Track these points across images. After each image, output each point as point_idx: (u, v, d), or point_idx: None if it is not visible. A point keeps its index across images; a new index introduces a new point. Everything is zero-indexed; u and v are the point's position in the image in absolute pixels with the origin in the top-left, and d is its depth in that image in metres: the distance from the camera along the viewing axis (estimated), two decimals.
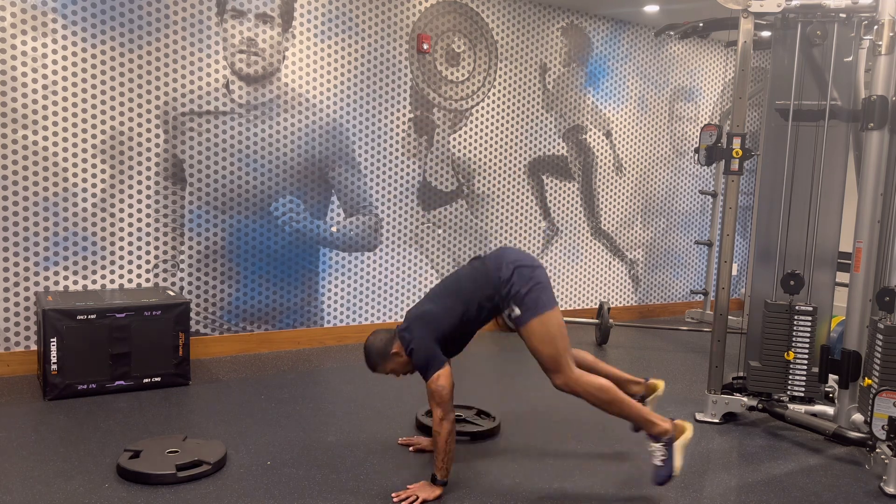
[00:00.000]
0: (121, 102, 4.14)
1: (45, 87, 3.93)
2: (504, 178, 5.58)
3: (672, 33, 4.76)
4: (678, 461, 2.70)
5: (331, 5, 4.72)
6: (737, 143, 3.56)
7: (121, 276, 4.24)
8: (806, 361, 3.56)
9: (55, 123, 3.97)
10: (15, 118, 3.87)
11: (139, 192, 4.24)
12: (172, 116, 4.29)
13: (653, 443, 2.73)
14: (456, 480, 2.82)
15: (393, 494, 2.67)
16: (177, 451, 2.88)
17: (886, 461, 2.91)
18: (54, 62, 3.94)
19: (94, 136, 4.09)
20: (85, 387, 3.68)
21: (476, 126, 5.40)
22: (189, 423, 3.37)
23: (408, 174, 5.14)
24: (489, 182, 5.52)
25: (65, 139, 4.01)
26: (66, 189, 4.04)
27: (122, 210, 4.20)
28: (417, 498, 2.63)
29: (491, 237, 5.56)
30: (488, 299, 2.77)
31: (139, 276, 4.29)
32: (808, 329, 3.54)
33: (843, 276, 3.77)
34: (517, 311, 2.72)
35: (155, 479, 2.69)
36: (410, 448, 3.14)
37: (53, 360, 3.60)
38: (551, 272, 5.90)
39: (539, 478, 2.91)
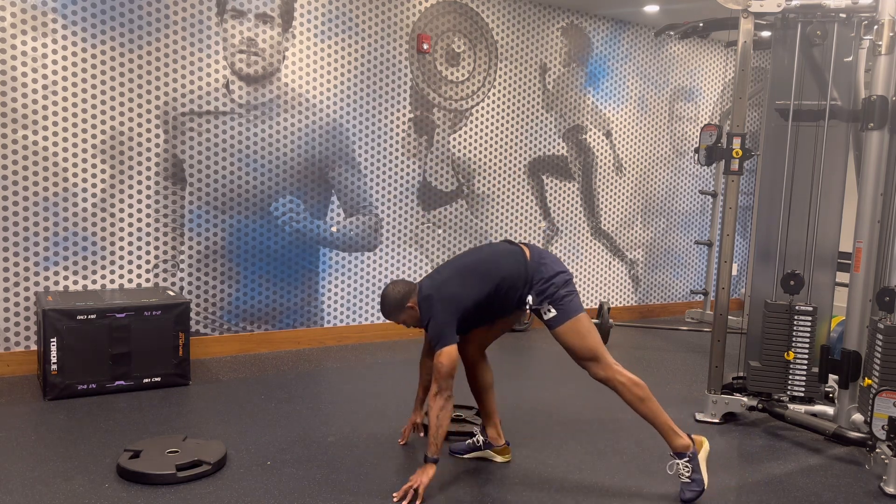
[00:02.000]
0: (121, 102, 4.14)
1: (45, 87, 3.93)
2: (504, 178, 5.58)
3: (672, 33, 4.76)
4: (706, 475, 2.71)
5: (331, 5, 4.72)
6: (737, 143, 3.56)
7: (121, 276, 4.24)
8: (806, 361, 3.56)
9: (55, 123, 3.97)
10: (15, 118, 3.87)
11: (139, 192, 4.24)
12: (172, 116, 4.29)
13: (677, 459, 2.72)
14: (455, 480, 2.82)
15: (393, 495, 2.66)
16: (177, 451, 2.88)
17: (886, 461, 2.91)
18: (54, 62, 3.94)
19: (94, 136, 4.09)
20: (85, 387, 3.68)
21: (476, 126, 5.40)
22: (189, 423, 3.37)
23: (408, 174, 5.14)
24: (489, 182, 5.52)
25: (65, 139, 4.01)
26: (66, 189, 4.04)
27: (122, 210, 4.20)
28: (417, 493, 2.60)
29: (491, 237, 5.56)
30: (519, 286, 2.76)
31: (139, 276, 4.29)
32: (808, 329, 3.54)
33: (843, 276, 3.77)
34: (553, 312, 2.73)
35: (155, 479, 2.69)
36: (405, 430, 3.22)
37: (53, 360, 3.60)
38: None
39: (538, 477, 2.91)
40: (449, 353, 2.64)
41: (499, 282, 2.74)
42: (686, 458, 2.69)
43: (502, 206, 5.60)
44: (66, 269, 4.08)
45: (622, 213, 6.24)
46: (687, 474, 2.70)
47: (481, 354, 3.04)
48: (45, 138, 3.96)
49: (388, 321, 5.16)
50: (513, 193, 5.64)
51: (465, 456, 3.07)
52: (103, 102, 4.10)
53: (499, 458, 3.06)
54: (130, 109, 4.17)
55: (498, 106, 5.48)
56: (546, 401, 3.90)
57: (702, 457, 2.74)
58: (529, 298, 2.77)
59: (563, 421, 3.60)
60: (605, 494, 2.78)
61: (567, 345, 2.78)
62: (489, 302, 2.76)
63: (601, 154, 6.05)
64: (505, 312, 2.88)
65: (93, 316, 3.68)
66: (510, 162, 5.60)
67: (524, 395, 3.97)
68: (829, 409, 3.50)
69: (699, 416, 3.70)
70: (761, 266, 3.77)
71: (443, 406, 2.65)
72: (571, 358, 2.82)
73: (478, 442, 3.08)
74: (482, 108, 5.41)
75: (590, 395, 4.07)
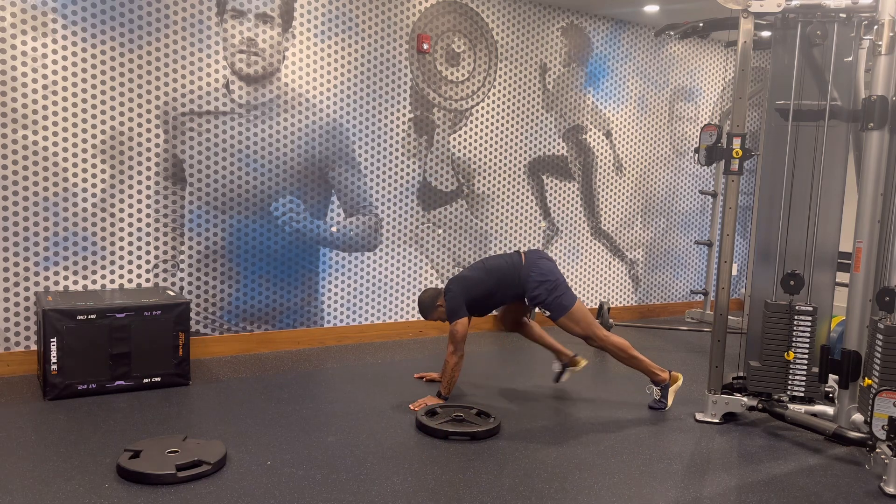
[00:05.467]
0: (121, 102, 4.14)
1: (45, 87, 3.93)
2: (504, 178, 5.58)
3: (672, 33, 4.76)
4: (670, 401, 3.82)
5: (331, 5, 4.72)
6: (737, 143, 3.56)
7: (121, 276, 4.24)
8: (806, 361, 3.56)
9: (55, 123, 3.97)
10: (15, 118, 3.87)
11: (139, 192, 4.24)
12: (172, 116, 4.29)
13: (654, 386, 3.82)
14: (455, 480, 2.83)
15: (410, 405, 3.62)
16: (177, 451, 2.88)
17: (886, 461, 2.92)
18: (54, 62, 3.94)
19: (94, 136, 4.09)
20: (85, 387, 3.68)
21: (476, 126, 5.40)
22: (189, 423, 3.37)
23: (408, 174, 5.14)
24: (489, 182, 5.52)
25: (65, 139, 4.01)
26: (66, 189, 4.04)
27: (122, 210, 4.20)
28: (426, 404, 3.59)
29: (491, 237, 5.56)
30: (514, 289, 3.74)
31: (139, 276, 4.29)
32: (808, 329, 3.54)
33: (843, 276, 3.77)
34: (548, 312, 3.70)
35: (155, 479, 2.69)
36: (424, 378, 4.14)
37: (53, 360, 3.60)
38: None
39: (538, 477, 2.91)
40: (462, 323, 3.65)
41: (497, 279, 3.74)
42: (659, 388, 3.81)
43: (502, 206, 5.60)
44: (66, 269, 4.08)
45: (622, 213, 6.24)
46: (657, 397, 3.81)
47: (521, 323, 4.05)
48: (45, 138, 3.96)
49: (387, 323, 5.17)
50: (513, 193, 5.64)
51: (560, 381, 4.12)
52: (103, 102, 4.10)
53: (581, 365, 4.10)
54: (130, 109, 4.17)
55: (498, 106, 5.48)
56: (546, 400, 3.90)
57: (673, 388, 3.81)
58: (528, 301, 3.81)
59: (563, 420, 3.60)
60: (605, 494, 2.78)
61: (566, 330, 3.72)
62: (492, 292, 3.75)
63: (601, 154, 6.05)
64: (508, 300, 3.82)
65: (93, 316, 3.68)
66: (510, 162, 5.60)
67: (524, 395, 3.97)
68: (829, 409, 3.50)
69: (699, 416, 3.70)
70: (761, 266, 3.77)
71: (457, 363, 3.66)
72: None
73: (559, 368, 4.10)
74: (482, 108, 5.41)
75: (590, 394, 4.07)
